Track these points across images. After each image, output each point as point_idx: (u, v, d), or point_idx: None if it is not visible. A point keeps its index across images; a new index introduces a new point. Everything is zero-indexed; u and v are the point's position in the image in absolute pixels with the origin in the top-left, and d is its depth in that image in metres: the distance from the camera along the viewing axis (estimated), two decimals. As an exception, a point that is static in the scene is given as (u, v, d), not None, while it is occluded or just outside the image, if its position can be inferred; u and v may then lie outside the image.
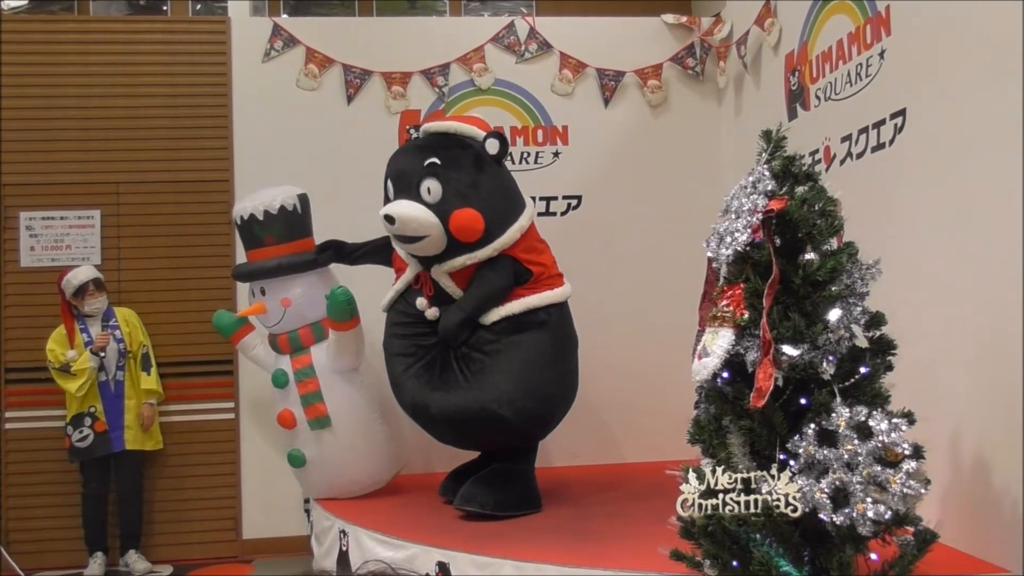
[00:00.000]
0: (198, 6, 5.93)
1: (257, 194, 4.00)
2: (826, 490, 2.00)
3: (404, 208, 3.39)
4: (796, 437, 2.09)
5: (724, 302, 2.21)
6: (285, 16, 5.81)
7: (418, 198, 3.43)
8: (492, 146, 3.54)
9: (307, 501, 4.32)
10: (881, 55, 3.21)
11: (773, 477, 2.02)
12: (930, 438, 2.14)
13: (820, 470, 2.04)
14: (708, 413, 2.30)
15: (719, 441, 2.21)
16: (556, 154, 4.84)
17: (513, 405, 3.42)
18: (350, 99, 4.76)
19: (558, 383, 3.63)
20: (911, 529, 2.07)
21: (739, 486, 2.02)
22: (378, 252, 3.95)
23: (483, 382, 3.46)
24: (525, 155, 4.81)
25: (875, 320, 2.18)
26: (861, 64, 3.35)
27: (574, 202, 4.83)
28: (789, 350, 2.08)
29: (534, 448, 3.83)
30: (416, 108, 4.78)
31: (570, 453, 4.62)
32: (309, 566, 4.00)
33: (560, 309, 3.66)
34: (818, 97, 3.72)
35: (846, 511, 1.99)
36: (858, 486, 1.99)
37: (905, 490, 1.99)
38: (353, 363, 3.99)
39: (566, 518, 3.49)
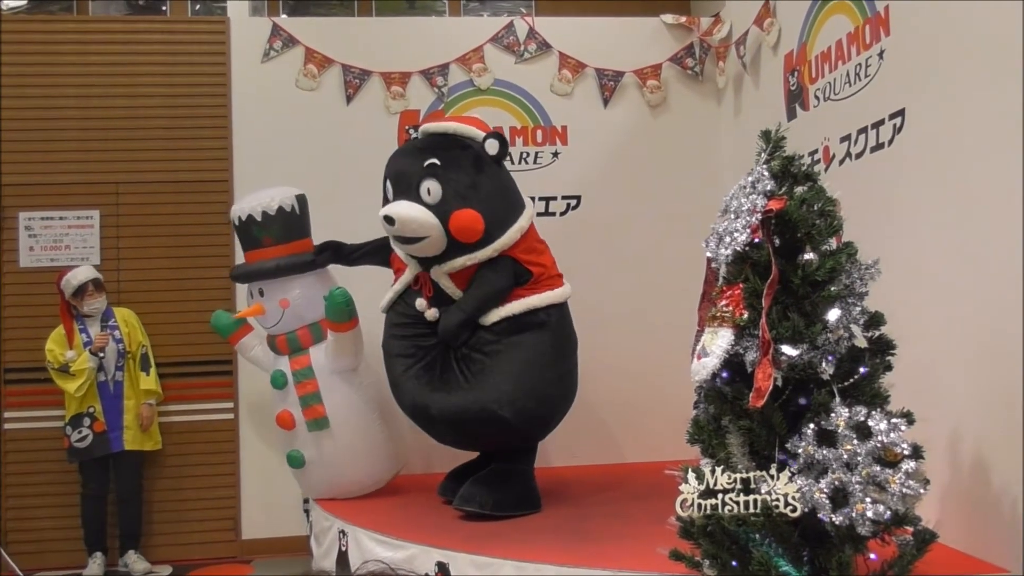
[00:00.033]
0: (197, 6, 5.93)
1: (255, 195, 4.00)
2: (825, 490, 2.00)
3: (404, 209, 3.39)
4: (795, 437, 2.09)
5: (723, 302, 2.21)
6: (284, 16, 5.81)
7: (418, 199, 3.42)
8: (492, 146, 3.53)
9: (306, 501, 4.32)
10: (880, 55, 3.21)
11: (772, 477, 2.02)
12: (929, 438, 2.14)
13: (819, 470, 2.04)
14: (707, 413, 2.30)
15: (718, 441, 2.21)
16: (555, 154, 4.84)
17: (513, 405, 3.42)
18: (349, 99, 4.76)
19: (558, 383, 3.63)
20: (910, 529, 2.07)
21: (738, 486, 2.02)
22: (377, 253, 3.95)
23: (483, 383, 3.46)
24: (524, 155, 4.81)
25: (874, 320, 2.18)
26: (860, 64, 3.35)
27: (573, 202, 4.83)
28: (788, 350, 2.08)
29: (533, 448, 3.83)
30: (415, 108, 4.77)
31: (569, 453, 4.62)
32: (308, 566, 4.00)
33: (560, 310, 3.66)
34: (817, 97, 3.72)
35: (845, 511, 1.99)
36: (857, 486, 1.99)
37: (904, 490, 1.99)
38: (352, 364, 3.99)
39: (565, 518, 3.49)
